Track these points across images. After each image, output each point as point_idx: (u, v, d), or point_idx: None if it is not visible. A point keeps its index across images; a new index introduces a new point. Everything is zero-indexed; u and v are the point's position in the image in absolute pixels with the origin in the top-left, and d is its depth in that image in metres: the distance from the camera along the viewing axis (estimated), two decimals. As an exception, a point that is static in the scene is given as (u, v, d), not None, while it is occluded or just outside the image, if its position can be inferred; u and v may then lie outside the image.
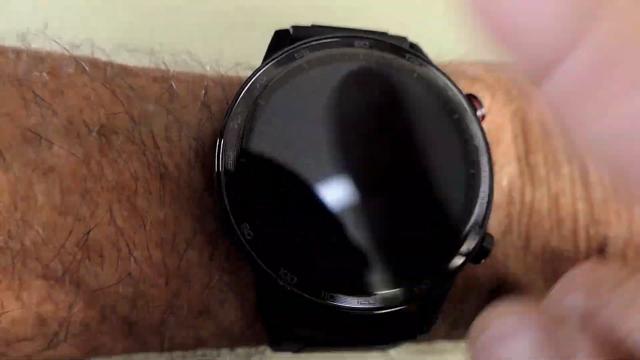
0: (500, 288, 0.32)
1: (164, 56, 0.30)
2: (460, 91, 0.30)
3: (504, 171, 0.32)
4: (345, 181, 0.28)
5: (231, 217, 0.27)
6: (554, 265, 0.32)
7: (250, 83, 0.28)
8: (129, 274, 0.27)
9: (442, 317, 0.32)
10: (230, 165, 0.27)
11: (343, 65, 0.29)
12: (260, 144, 0.28)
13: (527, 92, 0.33)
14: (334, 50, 0.29)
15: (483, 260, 0.29)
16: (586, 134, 0.18)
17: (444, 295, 0.29)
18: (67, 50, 0.29)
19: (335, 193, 0.28)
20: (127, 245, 0.27)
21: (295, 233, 0.28)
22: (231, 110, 0.28)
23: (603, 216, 0.32)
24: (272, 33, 0.30)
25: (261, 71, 0.29)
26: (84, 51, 0.29)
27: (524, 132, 0.33)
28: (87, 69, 0.28)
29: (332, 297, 0.27)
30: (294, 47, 0.29)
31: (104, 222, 0.27)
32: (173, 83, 0.29)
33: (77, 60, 0.28)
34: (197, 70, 0.31)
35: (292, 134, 0.28)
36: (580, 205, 0.32)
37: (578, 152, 0.31)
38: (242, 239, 0.27)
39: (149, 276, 0.27)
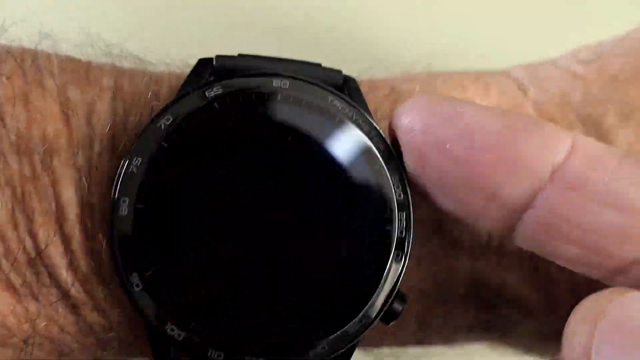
0: (479, 290, 0.32)
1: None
2: (383, 139, 0.28)
3: None
4: (246, 234, 0.27)
5: (120, 265, 0.26)
6: (534, 263, 0.32)
7: (155, 123, 0.27)
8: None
9: (415, 319, 0.32)
10: (124, 211, 0.26)
11: (257, 107, 0.27)
12: (159, 190, 0.26)
13: (509, 96, 0.33)
14: (249, 91, 0.27)
15: (392, 322, 0.27)
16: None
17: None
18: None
19: (233, 246, 0.27)
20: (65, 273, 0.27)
21: (187, 288, 0.26)
22: (132, 151, 0.26)
23: None
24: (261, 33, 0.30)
25: (169, 110, 0.27)
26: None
27: None
28: (42, 75, 0.27)
29: (219, 355, 0.26)
30: (206, 84, 0.27)
31: (50, 242, 0.27)
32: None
33: (35, 64, 0.27)
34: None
35: (192, 181, 0.27)
36: None
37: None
38: (130, 289, 0.26)
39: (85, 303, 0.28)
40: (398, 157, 0.28)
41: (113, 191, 0.26)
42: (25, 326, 0.27)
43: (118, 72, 0.29)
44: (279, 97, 0.27)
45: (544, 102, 0.32)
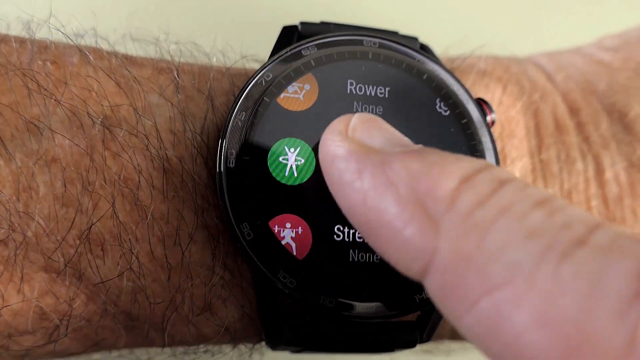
0: None
1: (169, 46, 0.29)
2: (470, 95, 0.29)
3: (516, 165, 0.31)
4: None
5: (231, 216, 0.26)
6: None
7: (256, 79, 0.28)
8: (130, 268, 0.27)
9: None
10: (232, 163, 0.27)
11: (351, 64, 0.29)
12: (264, 142, 0.27)
13: (538, 85, 0.33)
14: (342, 49, 0.29)
15: None
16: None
17: None
18: (71, 40, 0.28)
19: None
20: (129, 239, 0.26)
21: (298, 236, 0.27)
22: (236, 106, 0.27)
23: (618, 214, 0.32)
24: (279, 28, 0.30)
25: (268, 67, 0.28)
26: (88, 41, 0.29)
27: (536, 127, 0.32)
28: (92, 58, 0.28)
29: (331, 302, 0.27)
30: (302, 44, 0.29)
31: (106, 215, 0.26)
32: (178, 74, 0.28)
33: (81, 50, 0.28)
34: (202, 61, 0.30)
35: (294, 132, 0.27)
36: (594, 203, 0.31)
37: None
38: (241, 238, 0.26)
39: (150, 271, 0.27)
40: (483, 116, 0.29)
41: (220, 144, 0.27)
42: (63, 306, 0.26)
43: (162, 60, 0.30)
44: (370, 55, 0.29)
45: (569, 91, 0.32)
